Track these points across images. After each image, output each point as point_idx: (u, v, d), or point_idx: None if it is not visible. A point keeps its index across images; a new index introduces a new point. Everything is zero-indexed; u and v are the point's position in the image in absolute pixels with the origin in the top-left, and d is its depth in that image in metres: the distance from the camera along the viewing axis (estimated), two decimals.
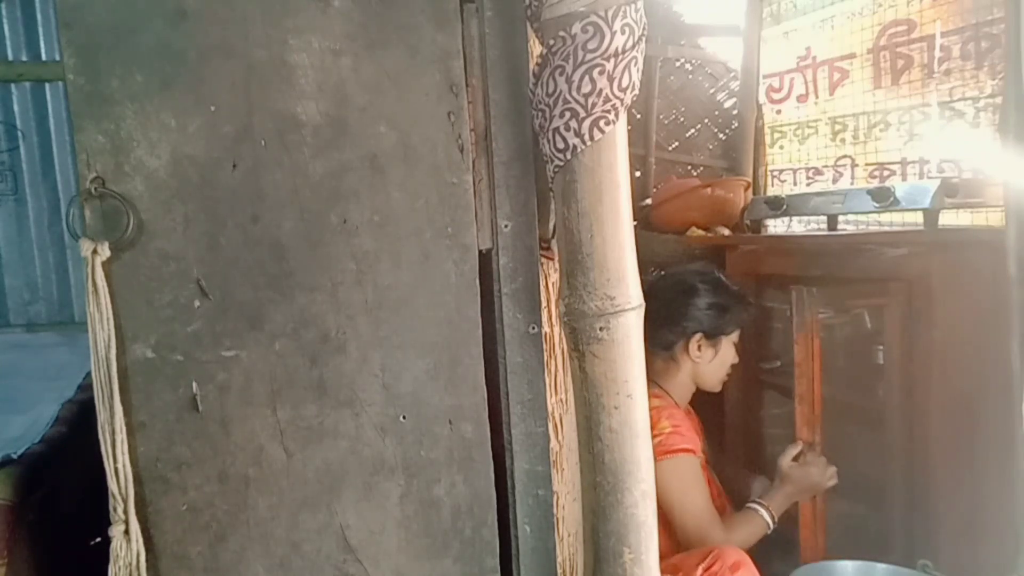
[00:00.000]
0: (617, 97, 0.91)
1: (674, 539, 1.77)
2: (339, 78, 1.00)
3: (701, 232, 2.64)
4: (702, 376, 1.93)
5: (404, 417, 1.05)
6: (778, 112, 2.85)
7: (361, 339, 1.03)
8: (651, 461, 0.98)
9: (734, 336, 1.94)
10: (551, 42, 0.92)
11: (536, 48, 1.03)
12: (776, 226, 2.66)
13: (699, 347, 1.89)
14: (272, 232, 1.00)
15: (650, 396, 1.77)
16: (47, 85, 2.56)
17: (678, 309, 1.88)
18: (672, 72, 3.07)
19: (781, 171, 2.87)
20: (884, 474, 1.87)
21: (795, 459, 1.83)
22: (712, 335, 1.90)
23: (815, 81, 2.65)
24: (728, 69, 3.09)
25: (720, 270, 2.07)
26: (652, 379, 1.89)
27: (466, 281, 1.06)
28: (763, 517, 1.77)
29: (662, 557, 1.69)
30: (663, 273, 1.94)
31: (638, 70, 0.93)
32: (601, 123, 0.91)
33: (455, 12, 1.03)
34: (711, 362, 1.91)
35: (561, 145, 0.93)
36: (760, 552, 1.81)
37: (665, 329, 1.88)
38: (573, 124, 0.91)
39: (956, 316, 1.72)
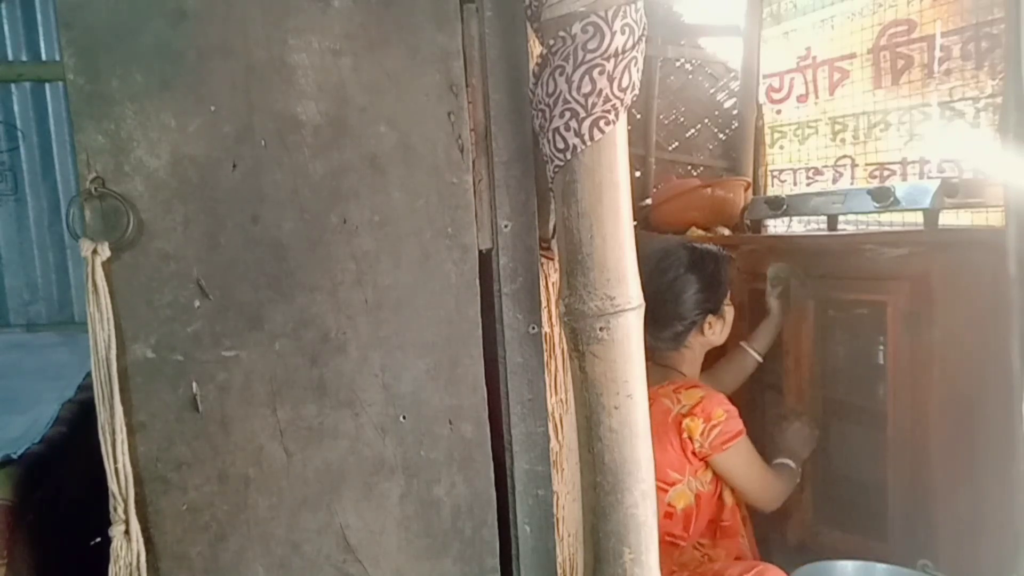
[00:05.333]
0: (617, 97, 0.91)
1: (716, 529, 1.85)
2: (339, 78, 1.00)
3: (701, 232, 2.64)
4: (714, 344, 1.95)
5: (404, 417, 1.05)
6: (778, 112, 2.85)
7: (361, 339, 1.03)
8: (651, 461, 0.98)
9: (729, 294, 1.95)
10: (551, 42, 0.92)
11: (536, 48, 1.03)
12: (776, 226, 2.66)
13: (711, 325, 1.89)
14: (272, 232, 1.00)
15: (688, 387, 1.81)
16: (47, 85, 2.56)
17: (678, 308, 1.86)
18: (672, 72, 3.07)
19: (781, 171, 2.87)
20: (884, 474, 1.87)
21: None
22: (718, 309, 1.89)
23: (815, 81, 2.65)
24: (728, 69, 3.10)
25: (686, 241, 2.10)
26: (673, 367, 1.89)
27: (466, 281, 1.06)
28: (790, 466, 1.90)
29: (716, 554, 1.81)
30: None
31: (638, 70, 0.93)
32: (601, 123, 0.91)
33: (455, 12, 1.03)
34: (721, 331, 1.92)
35: (561, 145, 0.93)
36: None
37: (671, 327, 1.87)
38: (573, 124, 0.91)
39: (956, 316, 1.72)
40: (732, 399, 1.85)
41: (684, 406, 1.76)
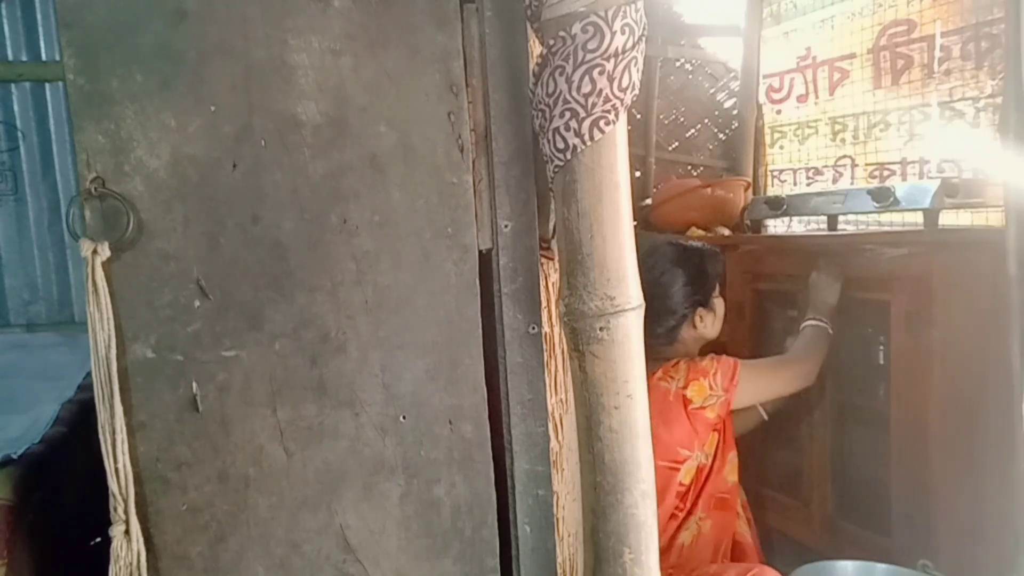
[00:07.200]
0: (617, 97, 0.91)
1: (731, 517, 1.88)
2: (339, 78, 1.00)
3: (701, 232, 2.64)
4: (707, 338, 1.97)
5: (404, 417, 1.05)
6: (778, 112, 2.85)
7: (361, 339, 1.03)
8: (651, 461, 0.98)
9: (718, 288, 1.98)
10: (551, 42, 0.92)
11: (536, 48, 1.03)
12: (776, 226, 2.66)
13: (701, 318, 1.93)
14: (272, 232, 1.00)
15: (673, 366, 1.83)
16: (47, 85, 2.56)
17: (668, 303, 1.90)
18: (672, 72, 3.07)
19: (781, 171, 2.87)
20: (884, 474, 1.87)
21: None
22: (707, 302, 1.93)
23: (815, 81, 2.65)
24: (728, 69, 3.10)
25: (677, 238, 2.12)
26: (664, 359, 1.91)
27: (466, 281, 1.06)
28: (815, 325, 1.93)
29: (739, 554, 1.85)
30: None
31: (638, 70, 0.93)
32: (601, 123, 0.91)
33: (455, 12, 1.03)
34: (713, 323, 1.96)
35: (561, 145, 0.93)
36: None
37: (664, 322, 1.90)
38: (573, 124, 0.91)
39: (956, 316, 1.72)
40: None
41: (678, 380, 1.82)
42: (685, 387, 1.80)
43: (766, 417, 2.06)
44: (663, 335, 1.91)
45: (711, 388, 1.79)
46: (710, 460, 1.84)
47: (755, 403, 1.90)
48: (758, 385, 1.86)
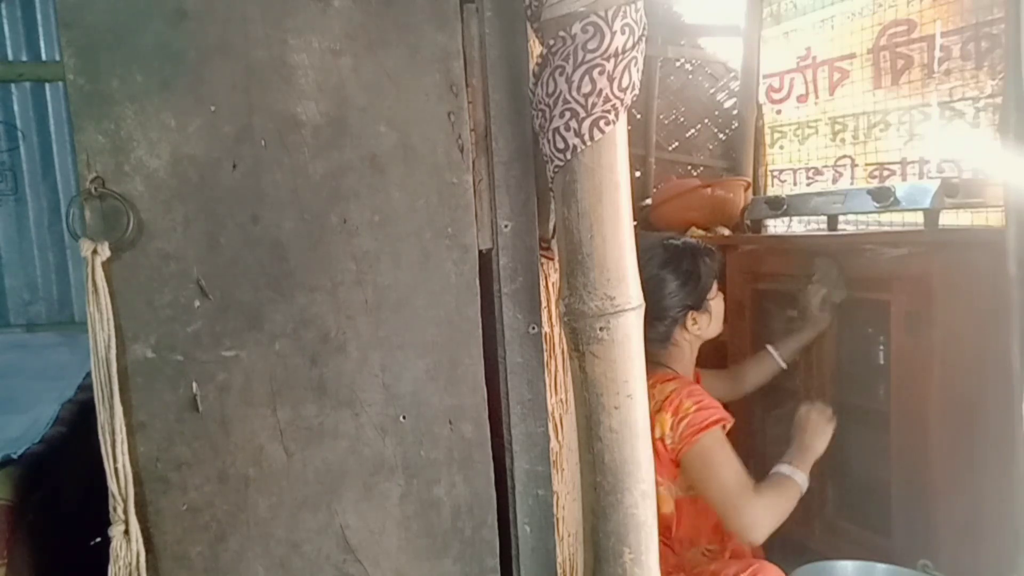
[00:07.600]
0: (617, 97, 0.91)
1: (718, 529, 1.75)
2: (339, 78, 1.00)
3: (701, 232, 2.65)
4: (706, 338, 1.89)
5: (404, 417, 1.05)
6: (778, 112, 2.85)
7: (361, 339, 1.03)
8: (651, 461, 0.98)
9: (715, 288, 1.87)
10: (551, 42, 0.92)
11: (536, 48, 1.03)
12: (776, 226, 2.66)
13: (694, 320, 1.83)
14: (272, 232, 1.00)
15: (664, 381, 1.75)
16: (47, 85, 2.56)
17: (657, 307, 1.78)
18: (672, 72, 3.08)
19: (781, 171, 2.87)
20: (884, 474, 1.87)
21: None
22: (699, 305, 1.82)
23: (815, 81, 2.65)
24: (728, 69, 3.10)
25: (671, 236, 1.99)
26: (664, 364, 1.82)
27: (466, 281, 1.06)
28: (788, 475, 1.66)
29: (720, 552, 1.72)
30: None
31: (638, 70, 0.93)
32: (601, 123, 0.91)
33: (455, 12, 1.03)
34: (709, 324, 1.86)
35: (561, 145, 0.93)
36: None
37: (654, 327, 1.81)
38: (573, 124, 0.91)
39: (956, 316, 1.72)
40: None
41: (656, 402, 1.67)
42: (658, 411, 1.67)
43: (784, 366, 2.02)
44: (656, 339, 1.81)
45: (672, 428, 1.65)
46: (688, 491, 1.71)
47: (694, 482, 1.67)
48: (694, 465, 1.64)
